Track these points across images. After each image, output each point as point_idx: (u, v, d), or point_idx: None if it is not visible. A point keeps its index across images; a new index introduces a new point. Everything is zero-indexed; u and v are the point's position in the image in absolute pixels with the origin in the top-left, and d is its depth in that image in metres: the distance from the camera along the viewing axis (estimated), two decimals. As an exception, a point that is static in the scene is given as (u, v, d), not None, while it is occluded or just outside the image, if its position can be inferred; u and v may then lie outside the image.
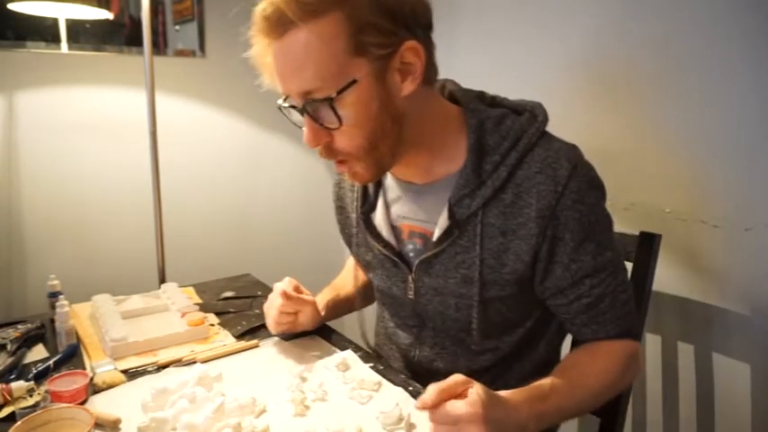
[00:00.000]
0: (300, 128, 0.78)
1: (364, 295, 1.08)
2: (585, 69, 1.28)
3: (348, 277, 1.13)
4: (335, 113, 0.71)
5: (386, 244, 0.90)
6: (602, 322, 0.82)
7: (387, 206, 0.92)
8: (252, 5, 0.74)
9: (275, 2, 0.69)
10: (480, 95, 0.88)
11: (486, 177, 0.78)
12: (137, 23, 1.57)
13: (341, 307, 1.09)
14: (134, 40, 1.62)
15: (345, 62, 0.70)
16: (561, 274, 0.80)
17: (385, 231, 0.91)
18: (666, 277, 1.14)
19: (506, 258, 0.80)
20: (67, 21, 1.54)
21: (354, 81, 0.70)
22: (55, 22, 1.53)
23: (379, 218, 0.92)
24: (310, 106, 0.72)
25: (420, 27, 0.74)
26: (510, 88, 0.91)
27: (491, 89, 0.89)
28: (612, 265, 0.81)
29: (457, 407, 0.63)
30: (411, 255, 0.89)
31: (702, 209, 1.10)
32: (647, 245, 0.99)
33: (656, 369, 1.20)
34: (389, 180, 0.92)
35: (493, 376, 0.90)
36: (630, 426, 1.25)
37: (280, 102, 0.77)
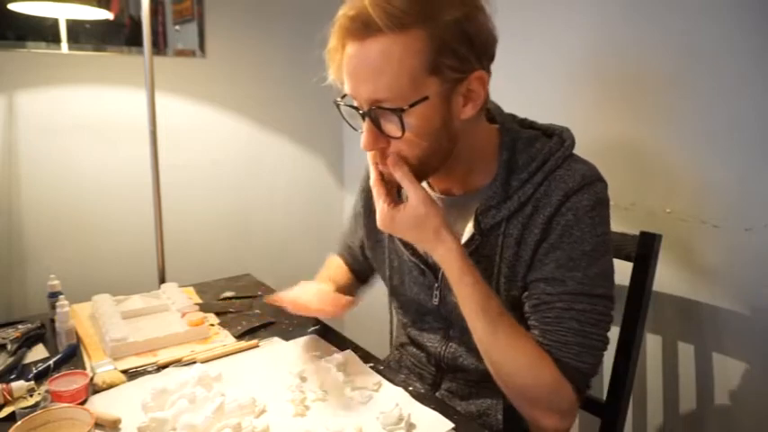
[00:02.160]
0: (351, 126, 0.81)
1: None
2: (588, 69, 1.28)
3: (339, 273, 1.14)
4: (402, 124, 0.73)
5: (413, 251, 0.92)
6: (545, 330, 0.78)
7: None
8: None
9: (363, 6, 0.70)
10: (513, 117, 0.92)
11: (512, 192, 0.81)
12: (137, 23, 1.56)
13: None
14: (134, 41, 1.62)
15: (420, 78, 0.71)
16: (523, 273, 0.82)
17: None
18: (667, 277, 1.14)
19: (519, 267, 0.82)
20: (68, 21, 1.54)
21: (426, 98, 0.72)
22: (55, 22, 1.53)
23: None
24: (376, 113, 0.74)
25: (487, 58, 0.76)
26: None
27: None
28: (578, 289, 0.77)
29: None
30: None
31: (702, 209, 1.10)
32: (647, 245, 0.99)
33: (657, 369, 1.20)
34: None
35: None
36: (631, 426, 1.25)
37: (338, 99, 0.80)
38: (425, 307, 0.95)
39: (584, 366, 0.77)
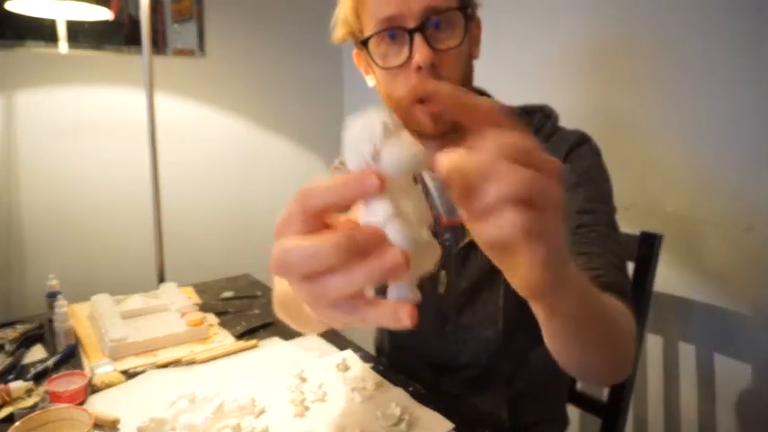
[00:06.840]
0: (380, 66, 0.77)
1: None
2: (585, 67, 1.28)
3: None
4: (465, 24, 0.75)
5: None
6: (590, 253, 0.72)
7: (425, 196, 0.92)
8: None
9: None
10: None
11: None
12: (136, 23, 1.56)
13: None
14: (133, 40, 1.62)
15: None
16: None
17: None
18: (667, 277, 1.14)
19: None
20: (67, 20, 1.54)
21: (471, 8, 0.77)
22: (54, 21, 1.52)
23: None
24: (434, 20, 0.73)
25: None
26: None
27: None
28: (606, 219, 0.76)
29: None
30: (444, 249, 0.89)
31: (703, 209, 1.10)
32: (648, 245, 0.99)
33: (658, 369, 1.20)
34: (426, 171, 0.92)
35: (512, 372, 0.88)
36: (632, 426, 1.25)
37: (375, 29, 0.75)
38: (424, 297, 0.90)
39: (628, 298, 0.67)
